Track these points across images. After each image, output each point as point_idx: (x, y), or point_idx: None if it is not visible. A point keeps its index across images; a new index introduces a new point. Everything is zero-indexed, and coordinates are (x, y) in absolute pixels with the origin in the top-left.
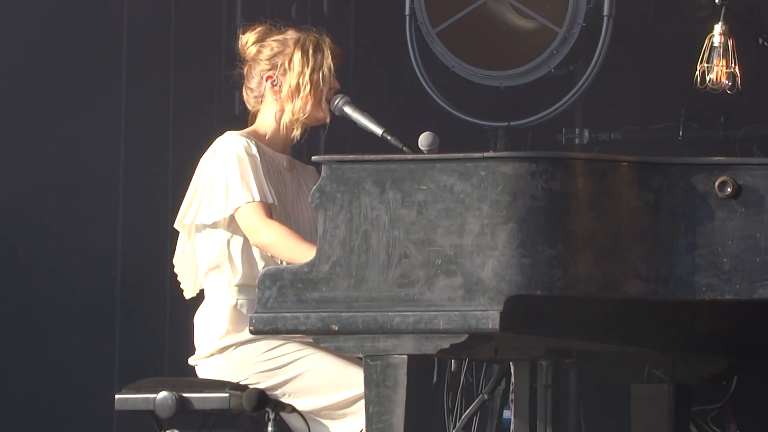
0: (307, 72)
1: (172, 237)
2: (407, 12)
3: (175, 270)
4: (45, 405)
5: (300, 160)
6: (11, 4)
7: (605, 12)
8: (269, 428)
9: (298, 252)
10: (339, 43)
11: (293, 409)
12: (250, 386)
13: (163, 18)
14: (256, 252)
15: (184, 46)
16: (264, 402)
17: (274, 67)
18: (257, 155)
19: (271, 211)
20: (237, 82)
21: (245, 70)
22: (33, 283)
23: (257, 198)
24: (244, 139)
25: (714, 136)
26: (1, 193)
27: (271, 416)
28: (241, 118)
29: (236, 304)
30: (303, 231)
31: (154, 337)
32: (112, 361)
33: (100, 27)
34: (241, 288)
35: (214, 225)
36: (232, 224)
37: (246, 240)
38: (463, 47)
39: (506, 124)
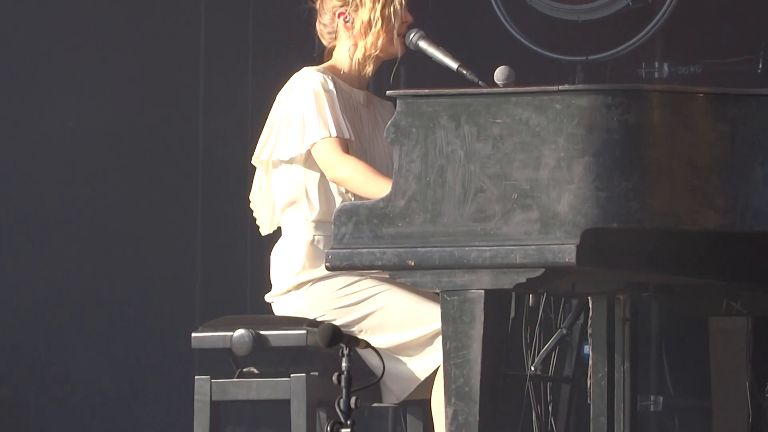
0: (378, 7)
1: (250, 173)
2: None
3: (251, 206)
4: (127, 344)
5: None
6: None
7: None
8: (343, 363)
9: (375, 186)
10: None
11: (367, 345)
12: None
13: None
14: (333, 188)
15: None
16: (338, 337)
17: (345, 3)
18: (333, 90)
19: (347, 146)
20: (312, 18)
21: (317, 4)
22: (114, 224)
23: (334, 133)
24: (321, 74)
25: None
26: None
27: (345, 352)
28: (320, 60)
29: (313, 240)
30: (379, 167)
31: (235, 274)
32: (193, 299)
33: None
34: (318, 224)
35: (291, 161)
36: (309, 160)
37: (323, 176)
38: None
39: (584, 58)
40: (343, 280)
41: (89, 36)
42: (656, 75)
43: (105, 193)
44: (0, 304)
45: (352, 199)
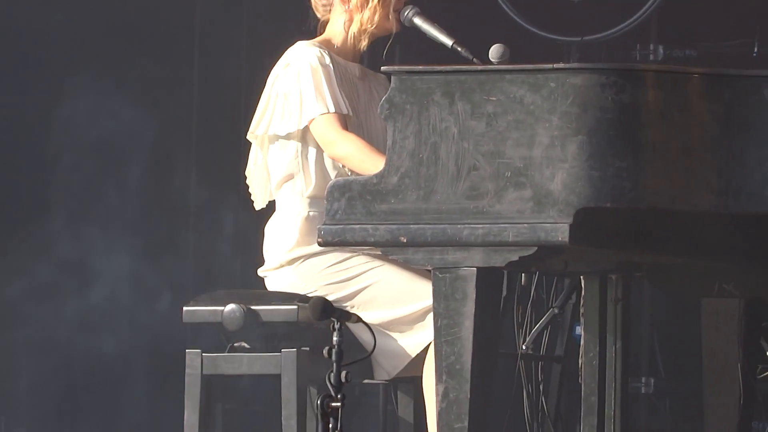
0: None
1: (244, 147)
2: None
3: (247, 181)
4: (117, 315)
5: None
6: None
7: None
8: (334, 338)
9: (373, 165)
10: None
11: (359, 319)
12: None
13: None
14: (329, 163)
15: None
16: (329, 311)
17: None
18: (330, 65)
19: (346, 122)
20: None
21: None
22: (108, 195)
23: (332, 109)
24: (317, 48)
25: None
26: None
27: (336, 326)
28: (313, 34)
29: (307, 216)
30: (375, 140)
31: (228, 248)
32: (185, 272)
33: None
34: (313, 200)
35: (288, 136)
36: (305, 135)
37: (319, 151)
38: None
39: (579, 38)
40: (335, 256)
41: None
42: (651, 57)
43: (98, 162)
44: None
45: (349, 174)
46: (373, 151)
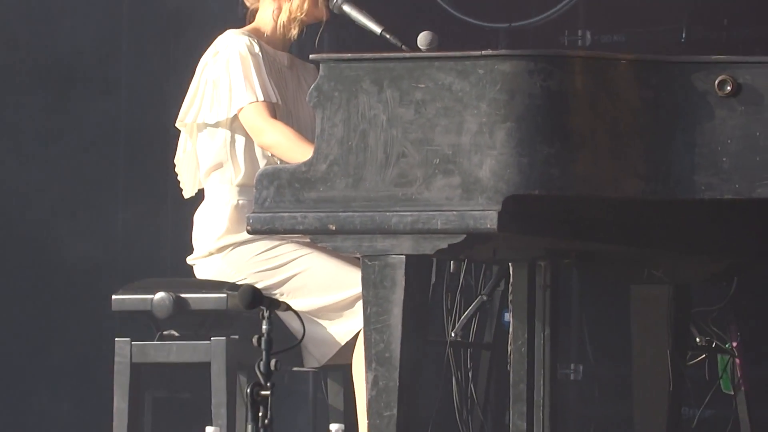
0: None
1: (173, 136)
2: None
3: (176, 169)
4: (46, 305)
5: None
6: None
7: None
8: (264, 326)
9: (301, 153)
10: None
11: (288, 307)
12: None
13: None
14: (258, 152)
15: None
16: (258, 299)
17: None
18: (260, 54)
19: (275, 110)
20: None
21: None
22: (37, 184)
23: (261, 98)
24: (246, 37)
25: (718, 38)
26: None
27: (266, 314)
28: (243, 23)
29: (237, 204)
30: (305, 129)
31: (157, 236)
32: (114, 261)
33: None
34: (242, 188)
35: (217, 124)
36: (234, 124)
37: (249, 140)
38: None
39: (507, 25)
40: (264, 244)
41: None
42: (579, 43)
43: (26, 152)
44: None
45: (278, 162)
46: (302, 139)
